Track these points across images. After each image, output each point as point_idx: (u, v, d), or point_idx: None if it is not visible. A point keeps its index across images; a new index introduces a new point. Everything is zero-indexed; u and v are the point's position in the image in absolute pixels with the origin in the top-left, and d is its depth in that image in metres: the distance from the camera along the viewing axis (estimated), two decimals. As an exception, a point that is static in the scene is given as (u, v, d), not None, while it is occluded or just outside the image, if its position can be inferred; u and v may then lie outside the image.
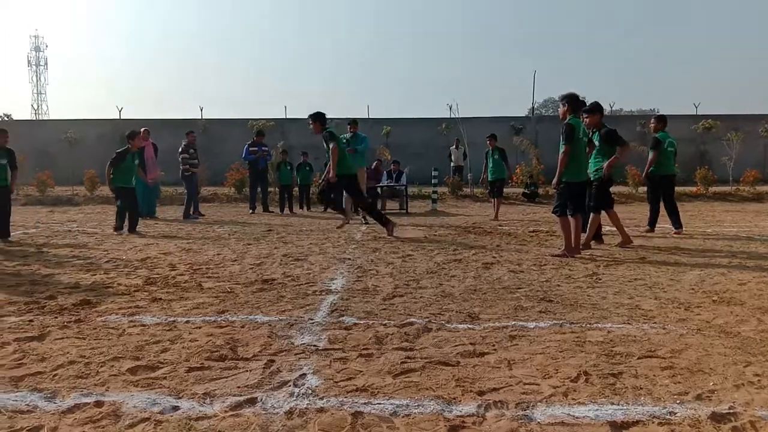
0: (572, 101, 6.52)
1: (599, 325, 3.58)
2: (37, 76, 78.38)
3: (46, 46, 79.54)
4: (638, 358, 2.94)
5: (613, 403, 2.37)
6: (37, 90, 77.91)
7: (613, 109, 28.53)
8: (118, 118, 25.20)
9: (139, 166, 9.79)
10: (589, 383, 2.60)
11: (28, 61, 78.42)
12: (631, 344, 3.18)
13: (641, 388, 2.54)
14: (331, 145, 7.96)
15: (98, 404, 2.30)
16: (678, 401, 2.40)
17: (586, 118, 6.92)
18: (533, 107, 31.10)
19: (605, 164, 6.96)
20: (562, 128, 6.34)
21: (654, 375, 2.71)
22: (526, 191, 16.87)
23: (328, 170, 8.18)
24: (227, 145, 22.28)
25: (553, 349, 3.08)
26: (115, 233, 8.44)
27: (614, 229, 7.45)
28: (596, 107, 7.20)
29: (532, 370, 2.76)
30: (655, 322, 3.64)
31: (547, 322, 3.62)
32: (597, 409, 2.31)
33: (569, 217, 6.32)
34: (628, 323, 3.62)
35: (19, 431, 2.07)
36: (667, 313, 3.87)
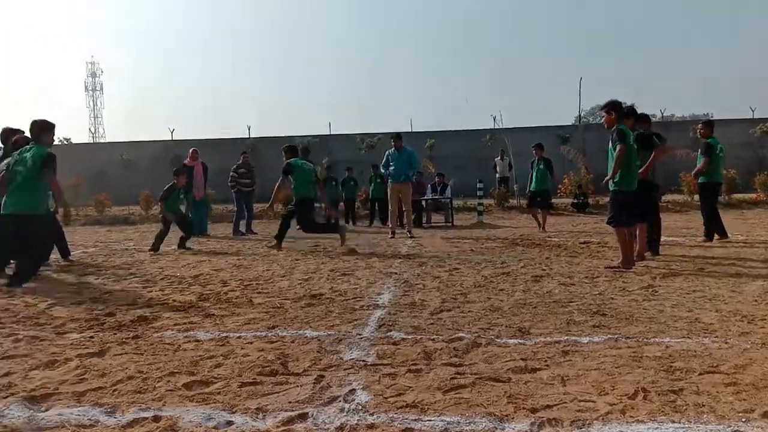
0: (618, 108, 6.36)
1: (657, 339, 3.46)
2: (93, 100, 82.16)
3: (102, 72, 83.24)
4: (699, 374, 2.82)
5: (673, 421, 2.28)
6: (94, 114, 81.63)
7: (665, 114, 27.69)
8: (170, 139, 26.11)
9: (185, 194, 10.16)
10: (648, 400, 2.51)
11: (85, 87, 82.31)
12: (691, 359, 3.05)
13: (704, 406, 2.43)
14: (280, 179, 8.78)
15: (156, 419, 2.37)
16: (743, 419, 2.29)
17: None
18: (580, 115, 30.50)
19: (642, 169, 6.75)
20: (613, 134, 6.20)
21: (717, 391, 2.59)
22: (575, 201, 16.52)
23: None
24: (274, 162, 22.72)
25: (609, 364, 2.99)
26: (151, 253, 8.63)
27: (670, 238, 7.22)
28: (630, 111, 7.07)
29: (587, 387, 2.69)
30: (716, 336, 3.48)
31: (602, 336, 3.52)
32: (657, 428, 2.23)
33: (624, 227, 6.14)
34: (688, 337, 3.49)
35: (83, 445, 2.15)
36: (729, 327, 3.70)
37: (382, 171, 11.07)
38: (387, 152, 10.76)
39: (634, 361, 3.04)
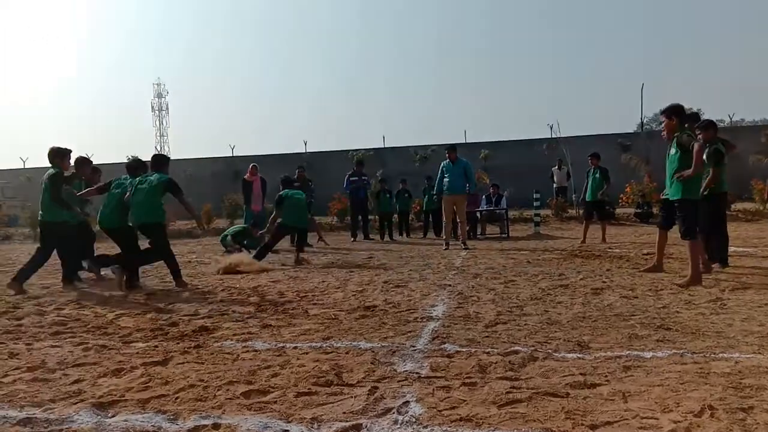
0: (679, 113, 5.96)
1: (725, 354, 3.29)
2: (159, 120, 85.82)
3: (167, 93, 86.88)
4: (773, 392, 2.67)
5: (744, 442, 2.16)
6: (160, 133, 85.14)
7: (733, 120, 26.43)
8: (231, 155, 26.97)
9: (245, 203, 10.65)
10: (715, 418, 2.39)
11: (152, 107, 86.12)
12: (762, 376, 2.89)
13: (778, 426, 2.29)
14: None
15: (215, 427, 2.44)
16: (823, 442, 2.15)
17: (700, 134, 6.44)
18: (642, 122, 29.56)
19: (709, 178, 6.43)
20: (676, 140, 5.83)
21: (793, 411, 2.44)
22: (638, 211, 15.96)
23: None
24: (330, 175, 23.08)
25: (673, 380, 2.87)
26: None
27: (740, 249, 6.86)
28: (710, 123, 6.76)
29: (649, 403, 2.59)
30: (792, 353, 3.28)
31: (666, 351, 3.38)
32: (726, 448, 2.12)
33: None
34: (759, 353, 3.30)
35: (147, 450, 2.23)
36: (806, 343, 3.48)
37: (436, 190, 11.04)
38: (442, 164, 10.75)
39: (701, 377, 2.90)
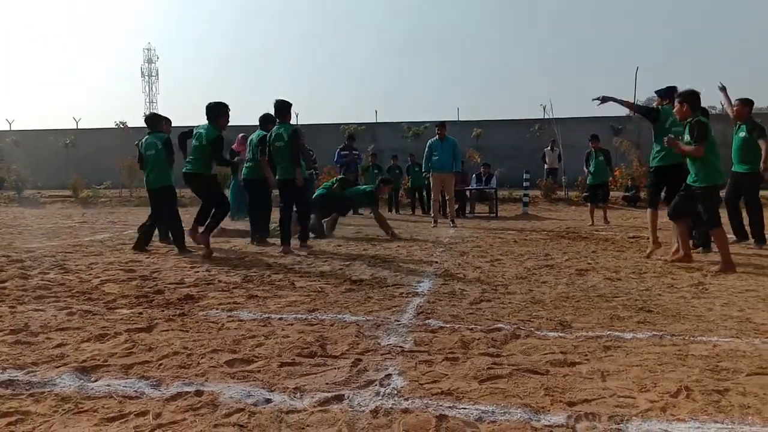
0: (692, 98, 5.75)
1: (704, 338, 3.34)
2: (149, 86, 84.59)
3: (158, 58, 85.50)
4: (747, 375, 2.72)
5: (716, 421, 2.21)
6: (149, 99, 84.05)
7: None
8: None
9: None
10: (691, 399, 2.44)
11: (142, 72, 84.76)
12: (739, 360, 2.94)
13: (749, 407, 2.34)
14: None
15: (198, 393, 2.45)
16: (793, 425, 2.20)
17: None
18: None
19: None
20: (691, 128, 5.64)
21: (764, 393, 2.49)
22: (626, 194, 16.08)
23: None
24: (321, 149, 22.94)
25: (652, 361, 2.91)
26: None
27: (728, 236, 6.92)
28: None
29: (627, 383, 2.63)
30: (767, 337, 3.35)
31: (646, 333, 3.43)
32: (699, 427, 2.16)
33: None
34: (737, 337, 3.36)
35: (127, 415, 2.24)
36: (782, 328, 3.55)
37: (425, 168, 10.95)
38: (429, 142, 10.71)
39: (679, 359, 2.95)
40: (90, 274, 5.35)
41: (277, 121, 7.19)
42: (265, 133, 7.45)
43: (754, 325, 3.62)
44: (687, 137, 5.72)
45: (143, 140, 7.37)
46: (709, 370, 2.79)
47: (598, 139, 11.28)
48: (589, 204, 11.35)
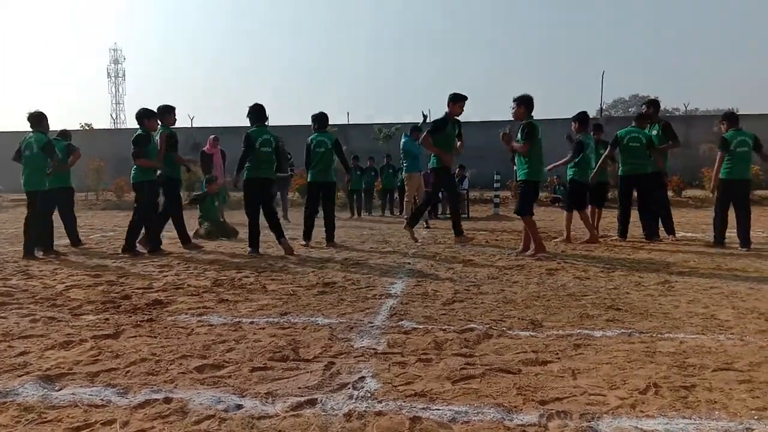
0: (527, 102, 6.76)
1: (671, 335, 3.41)
2: (116, 87, 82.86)
3: (124, 59, 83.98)
4: (713, 371, 2.78)
5: (684, 417, 2.25)
6: (116, 100, 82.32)
7: (688, 108, 27.20)
8: (190, 126, 26.27)
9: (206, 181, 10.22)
10: (659, 395, 2.48)
11: (108, 73, 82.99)
12: (705, 356, 3.01)
13: (716, 402, 2.40)
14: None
15: (167, 401, 2.40)
16: (756, 417, 2.25)
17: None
18: (602, 108, 30.09)
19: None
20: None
21: (730, 389, 2.55)
22: (555, 195, 16.37)
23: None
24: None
25: (621, 359, 2.96)
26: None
27: (689, 234, 7.11)
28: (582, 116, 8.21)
29: (597, 381, 2.66)
30: (732, 333, 3.43)
31: (615, 331, 3.48)
32: (667, 423, 2.20)
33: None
34: (703, 333, 3.44)
35: (93, 424, 2.18)
36: (745, 324, 3.64)
37: (405, 160, 10.99)
38: (404, 141, 10.71)
39: (647, 356, 3.00)
40: (54, 280, 5.20)
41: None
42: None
43: (718, 321, 3.71)
44: (519, 136, 6.72)
45: (25, 138, 7.02)
46: (676, 367, 2.84)
47: (601, 129, 9.55)
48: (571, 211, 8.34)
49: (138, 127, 7.01)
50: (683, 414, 2.28)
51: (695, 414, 2.28)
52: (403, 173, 10.70)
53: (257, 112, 7.10)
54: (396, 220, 12.61)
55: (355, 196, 14.16)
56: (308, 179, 7.88)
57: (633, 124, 8.18)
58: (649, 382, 2.61)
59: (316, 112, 7.92)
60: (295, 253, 6.79)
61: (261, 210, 6.96)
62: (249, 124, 7.15)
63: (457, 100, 7.73)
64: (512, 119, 7.10)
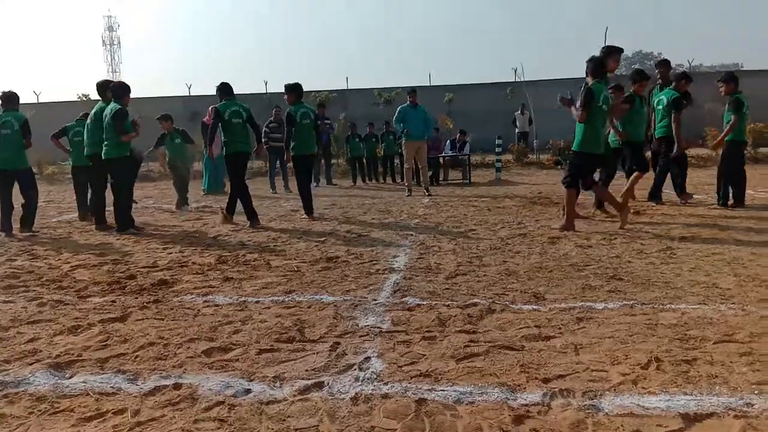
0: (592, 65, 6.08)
1: (673, 305, 3.44)
2: (111, 55, 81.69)
3: (119, 26, 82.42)
4: (714, 343, 2.81)
5: (685, 393, 2.29)
6: (112, 69, 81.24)
7: (693, 64, 26.75)
8: (188, 94, 26.02)
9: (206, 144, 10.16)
10: (661, 370, 2.51)
11: (103, 41, 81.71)
12: (706, 327, 3.04)
13: (717, 377, 2.43)
14: (286, 127, 7.69)
15: (176, 387, 2.44)
16: (756, 391, 2.29)
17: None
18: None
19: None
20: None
21: (731, 362, 2.58)
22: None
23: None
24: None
25: (623, 332, 2.99)
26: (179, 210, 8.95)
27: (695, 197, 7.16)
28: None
29: (600, 356, 2.70)
30: (733, 303, 3.46)
31: (617, 302, 3.51)
32: (668, 399, 2.24)
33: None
34: (704, 303, 3.46)
35: (105, 414, 2.22)
36: (746, 292, 3.67)
37: (395, 126, 10.95)
38: (400, 107, 10.60)
39: (649, 329, 3.03)
40: (59, 260, 5.24)
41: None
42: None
43: (720, 290, 3.73)
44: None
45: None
46: (677, 340, 2.87)
47: (669, 65, 8.66)
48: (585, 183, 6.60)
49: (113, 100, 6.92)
50: (684, 390, 2.32)
51: (696, 389, 2.32)
52: (403, 140, 10.62)
53: (224, 88, 7.35)
54: (397, 187, 12.59)
55: (356, 164, 14.10)
56: (298, 152, 7.69)
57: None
58: (650, 357, 2.65)
59: (291, 82, 7.80)
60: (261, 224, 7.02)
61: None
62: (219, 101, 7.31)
63: (612, 53, 6.48)
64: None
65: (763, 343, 2.80)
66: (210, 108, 11.82)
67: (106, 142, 6.82)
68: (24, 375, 2.60)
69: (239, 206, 7.18)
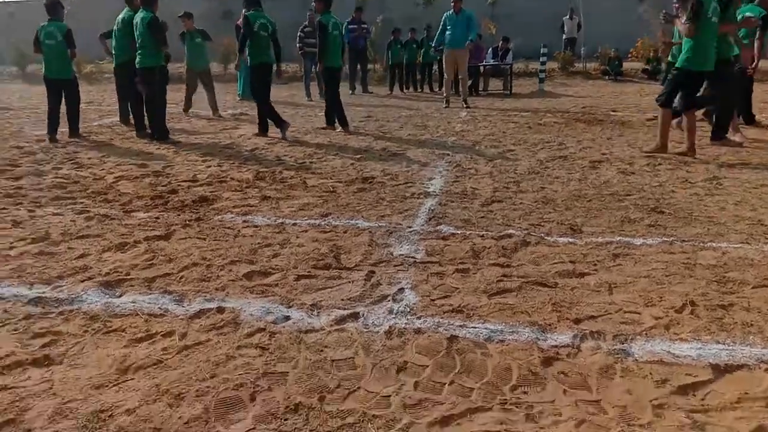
0: None
1: (714, 244, 3.37)
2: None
3: None
4: (753, 288, 2.78)
5: (718, 342, 2.29)
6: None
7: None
8: (222, -9, 25.15)
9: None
10: (695, 315, 2.51)
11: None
12: (747, 269, 2.99)
13: (752, 325, 2.42)
14: (319, 37, 7.64)
15: (220, 310, 2.56)
16: (791, 345, 2.28)
17: None
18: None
19: None
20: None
21: (768, 309, 2.56)
22: (646, 67, 15.44)
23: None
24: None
25: (660, 272, 2.97)
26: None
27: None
28: None
29: (634, 296, 2.70)
30: (777, 243, 3.37)
31: (656, 239, 3.46)
32: (700, 348, 2.25)
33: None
34: (747, 242, 3.39)
35: (155, 335, 2.36)
36: (793, 231, 3.56)
37: (435, 43, 10.50)
38: (444, 15, 10.12)
39: (687, 269, 3.00)
40: (103, 170, 5.38)
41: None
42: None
43: (765, 228, 3.63)
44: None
45: (43, 26, 6.93)
46: (715, 282, 2.84)
47: None
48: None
49: (143, 8, 6.80)
50: (717, 338, 2.32)
51: (729, 338, 2.32)
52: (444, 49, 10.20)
53: None
54: (435, 97, 12.30)
55: (396, 71, 13.68)
56: (329, 64, 7.72)
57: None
58: (685, 300, 2.64)
59: None
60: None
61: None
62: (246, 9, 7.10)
63: None
64: None
65: (804, 289, 2.75)
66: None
67: (140, 51, 6.77)
68: (77, 292, 2.76)
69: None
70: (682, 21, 5.54)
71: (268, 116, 7.19)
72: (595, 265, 3.08)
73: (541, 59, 13.56)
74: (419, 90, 14.06)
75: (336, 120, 7.71)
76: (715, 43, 5.64)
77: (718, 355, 2.20)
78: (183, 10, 9.88)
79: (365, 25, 13.17)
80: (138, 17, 6.79)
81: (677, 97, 5.80)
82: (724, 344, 2.28)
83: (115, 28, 7.39)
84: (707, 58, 5.56)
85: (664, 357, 2.19)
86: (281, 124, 7.08)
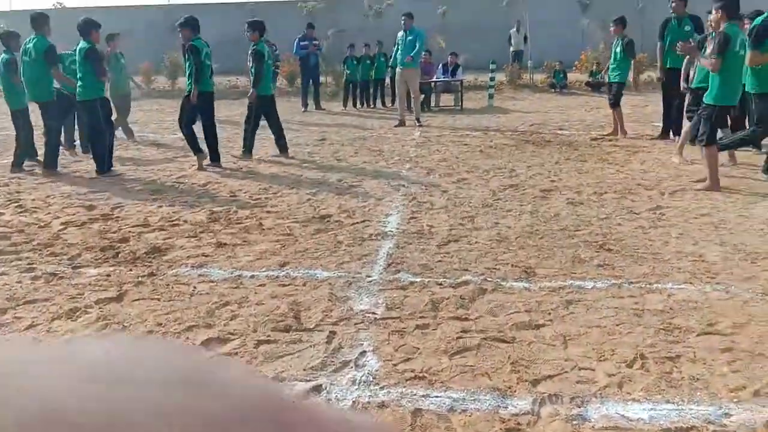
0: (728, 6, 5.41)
1: (659, 285, 3.53)
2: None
3: None
4: (697, 335, 2.92)
5: (668, 401, 2.40)
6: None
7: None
8: (167, 2, 24.74)
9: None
10: (645, 370, 2.63)
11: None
12: (691, 314, 3.14)
13: (698, 380, 2.55)
14: (256, 65, 7.57)
15: (179, 389, 2.51)
16: (735, 399, 2.41)
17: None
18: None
19: None
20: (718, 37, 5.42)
21: (712, 359, 2.70)
22: (589, 80, 15.95)
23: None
24: (278, 33, 21.63)
25: (611, 320, 3.09)
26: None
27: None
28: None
29: (587, 350, 2.80)
30: (717, 282, 3.55)
31: (605, 282, 3.59)
32: (652, 409, 2.35)
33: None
34: (690, 283, 3.56)
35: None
36: (731, 268, 3.76)
37: (393, 57, 10.61)
38: (398, 35, 10.22)
39: (636, 317, 3.12)
40: (49, 213, 5.19)
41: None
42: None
43: (706, 265, 3.82)
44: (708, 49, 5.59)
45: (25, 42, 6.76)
46: (663, 330, 2.98)
47: (624, 24, 8.59)
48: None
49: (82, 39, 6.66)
50: (667, 396, 2.43)
51: (678, 396, 2.44)
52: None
53: (197, 24, 7.17)
54: (388, 114, 12.40)
55: (350, 86, 13.67)
56: (262, 93, 7.76)
57: None
58: (636, 353, 2.75)
59: (253, 19, 7.99)
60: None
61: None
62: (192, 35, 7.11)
63: None
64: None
65: (744, 336, 2.91)
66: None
67: (80, 83, 6.58)
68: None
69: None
70: (709, 55, 5.52)
71: (187, 141, 7.13)
72: (550, 314, 3.18)
73: (490, 75, 13.82)
74: (372, 106, 14.11)
75: (245, 147, 7.73)
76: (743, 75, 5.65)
77: (668, 417, 2.31)
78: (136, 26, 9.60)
79: (316, 42, 13.16)
80: (79, 47, 6.61)
81: (701, 127, 5.68)
82: (673, 403, 2.39)
83: (25, 57, 6.79)
84: (737, 92, 5.61)
85: (619, 422, 2.28)
86: (198, 153, 7.04)
